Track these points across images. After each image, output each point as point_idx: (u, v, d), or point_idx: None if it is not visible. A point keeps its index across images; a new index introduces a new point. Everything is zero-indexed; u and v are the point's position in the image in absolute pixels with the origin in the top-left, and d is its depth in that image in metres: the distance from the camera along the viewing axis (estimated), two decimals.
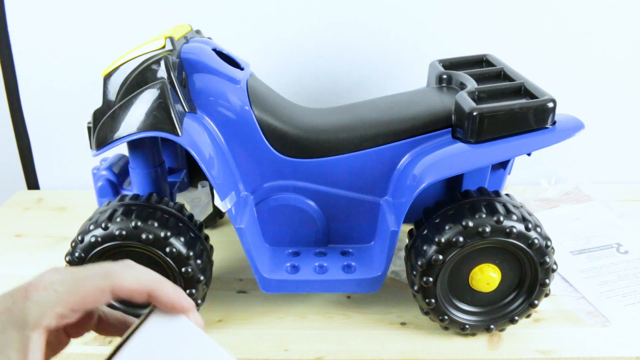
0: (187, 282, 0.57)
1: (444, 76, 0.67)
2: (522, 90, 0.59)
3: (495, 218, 0.54)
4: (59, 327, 0.31)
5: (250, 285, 0.69)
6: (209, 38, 0.69)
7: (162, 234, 0.55)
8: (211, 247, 0.62)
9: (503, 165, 0.64)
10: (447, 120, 0.59)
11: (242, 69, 0.63)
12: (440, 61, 0.70)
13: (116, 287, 0.31)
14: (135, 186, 0.63)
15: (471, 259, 0.56)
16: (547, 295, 0.58)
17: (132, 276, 0.31)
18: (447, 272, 0.57)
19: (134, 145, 0.61)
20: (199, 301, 0.60)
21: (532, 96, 0.57)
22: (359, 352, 0.59)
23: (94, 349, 0.59)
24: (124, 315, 0.36)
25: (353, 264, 0.62)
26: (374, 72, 0.90)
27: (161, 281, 0.32)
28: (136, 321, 0.32)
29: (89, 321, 0.35)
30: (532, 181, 0.92)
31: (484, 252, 0.56)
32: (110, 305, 0.57)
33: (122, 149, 0.62)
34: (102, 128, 0.56)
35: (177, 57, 0.58)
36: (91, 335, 0.32)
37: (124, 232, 0.55)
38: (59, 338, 0.34)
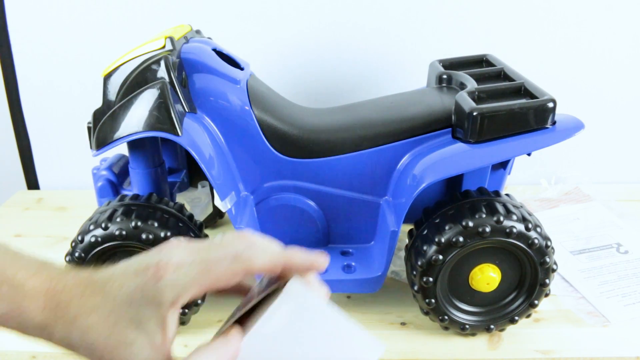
0: None
1: (444, 76, 0.67)
2: (522, 90, 0.59)
3: (495, 218, 0.54)
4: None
5: None
6: (209, 38, 0.69)
7: (162, 234, 0.55)
8: None
9: (503, 165, 0.64)
10: (447, 120, 0.59)
11: (242, 69, 0.63)
12: (440, 61, 0.70)
13: (248, 267, 0.31)
14: (135, 186, 0.63)
15: (471, 259, 0.56)
16: (547, 295, 0.58)
17: (262, 256, 0.32)
18: (447, 272, 0.57)
19: (134, 145, 0.61)
20: (199, 301, 0.60)
21: (532, 96, 0.57)
22: None
23: None
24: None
25: (353, 264, 0.62)
26: (374, 72, 0.90)
27: (289, 252, 0.32)
28: (256, 291, 0.33)
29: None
30: (532, 181, 0.92)
31: (484, 252, 0.56)
32: None
33: (122, 149, 0.62)
34: (102, 128, 0.56)
35: (177, 57, 0.58)
36: None
37: (124, 232, 0.55)
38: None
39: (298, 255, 0.32)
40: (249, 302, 0.33)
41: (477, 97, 0.59)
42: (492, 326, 0.59)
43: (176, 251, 0.32)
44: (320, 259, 0.32)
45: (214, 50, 0.62)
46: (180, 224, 0.58)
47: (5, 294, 0.33)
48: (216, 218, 0.83)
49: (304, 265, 0.32)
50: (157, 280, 0.31)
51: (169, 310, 0.31)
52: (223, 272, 0.31)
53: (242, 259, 0.31)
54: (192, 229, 0.59)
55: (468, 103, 0.56)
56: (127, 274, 0.33)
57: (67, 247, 0.58)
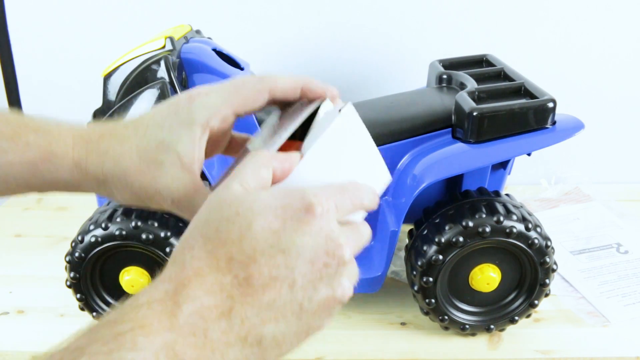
0: None
1: (444, 76, 0.67)
2: (522, 90, 0.59)
3: (495, 218, 0.54)
4: (219, 130, 0.35)
5: None
6: (209, 38, 0.69)
7: (162, 234, 0.55)
8: None
9: (503, 165, 0.64)
10: (447, 120, 0.59)
11: (242, 69, 0.63)
12: (440, 61, 0.70)
13: (273, 86, 0.34)
14: None
15: (471, 259, 0.56)
16: (547, 295, 0.58)
17: (284, 78, 0.35)
18: (447, 272, 0.57)
19: None
20: None
21: (532, 96, 0.57)
22: (359, 352, 0.59)
23: None
24: (249, 136, 0.40)
25: None
26: (373, 72, 0.90)
27: (309, 77, 0.35)
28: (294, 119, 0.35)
29: (224, 139, 0.39)
30: (532, 181, 0.92)
31: (484, 252, 0.56)
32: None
33: None
34: None
35: (177, 57, 0.58)
36: None
37: (124, 232, 0.55)
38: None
39: (315, 81, 0.35)
40: (287, 125, 0.35)
41: (477, 97, 0.59)
42: (492, 326, 0.59)
43: (205, 85, 0.36)
44: (333, 89, 0.35)
45: (214, 50, 0.62)
46: (181, 224, 0.58)
47: (35, 141, 0.35)
48: None
49: (321, 90, 0.34)
50: (189, 102, 0.34)
51: (200, 130, 0.33)
52: (250, 90, 0.34)
53: (266, 79, 0.34)
54: None
55: (468, 103, 0.56)
56: (159, 108, 0.35)
57: (67, 247, 0.58)
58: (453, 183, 0.63)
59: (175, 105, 0.34)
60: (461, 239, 0.54)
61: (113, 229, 0.55)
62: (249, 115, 0.36)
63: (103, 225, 0.55)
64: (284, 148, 0.33)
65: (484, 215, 0.54)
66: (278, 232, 0.27)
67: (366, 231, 0.32)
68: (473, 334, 0.60)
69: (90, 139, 0.35)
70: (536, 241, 0.54)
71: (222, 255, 0.27)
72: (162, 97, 0.54)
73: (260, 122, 0.60)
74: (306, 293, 0.27)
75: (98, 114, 0.58)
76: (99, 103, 0.58)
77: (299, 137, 0.34)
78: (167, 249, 0.55)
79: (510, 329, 0.60)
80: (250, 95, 0.34)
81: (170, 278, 0.27)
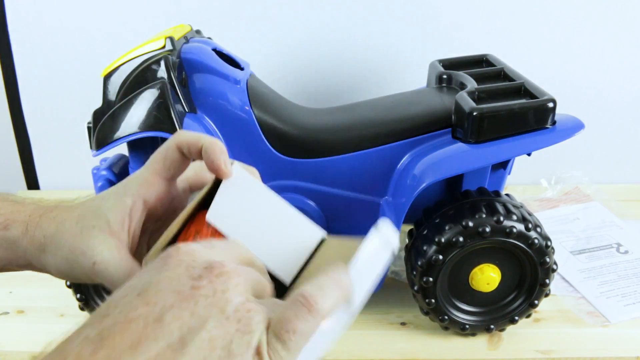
0: None
1: (444, 76, 0.67)
2: (522, 90, 0.59)
3: (495, 218, 0.54)
4: (158, 198, 0.36)
5: None
6: (209, 38, 0.69)
7: None
8: None
9: (503, 165, 0.64)
10: (447, 120, 0.59)
11: (242, 69, 0.63)
12: (440, 61, 0.70)
13: (178, 141, 0.35)
14: None
15: (471, 259, 0.56)
16: (547, 295, 0.58)
17: (187, 132, 0.36)
18: (447, 272, 0.57)
19: (133, 145, 0.61)
20: None
21: (532, 96, 0.57)
22: (359, 352, 0.59)
23: None
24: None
25: None
26: (374, 72, 0.90)
27: (214, 141, 0.35)
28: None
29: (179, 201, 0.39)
30: (532, 181, 0.92)
31: (484, 252, 0.56)
32: None
33: (122, 149, 0.62)
34: (102, 128, 0.56)
35: (177, 57, 0.58)
36: None
37: None
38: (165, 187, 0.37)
39: (217, 149, 0.34)
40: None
41: (477, 97, 0.59)
42: (492, 326, 0.59)
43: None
44: (224, 169, 0.34)
45: (214, 50, 0.62)
46: None
47: (2, 207, 0.37)
48: None
49: (212, 161, 0.34)
50: (128, 177, 0.36)
51: (131, 200, 0.35)
52: (162, 152, 0.35)
53: (173, 136, 0.35)
54: None
55: (468, 103, 0.56)
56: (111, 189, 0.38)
57: None
58: (453, 183, 0.63)
59: (122, 181, 0.37)
60: (461, 239, 0.54)
61: None
62: (176, 175, 0.37)
63: None
64: (191, 219, 0.34)
65: (484, 215, 0.54)
66: (133, 285, 0.25)
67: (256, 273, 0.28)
68: (473, 334, 0.60)
69: (47, 209, 0.37)
70: (536, 241, 0.54)
71: (74, 332, 0.24)
72: (162, 97, 0.54)
73: (261, 124, 0.60)
74: (183, 322, 0.23)
75: (98, 114, 0.58)
76: (99, 103, 0.58)
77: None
78: None
79: (510, 329, 0.60)
80: (164, 155, 0.35)
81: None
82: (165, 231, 0.33)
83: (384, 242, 0.30)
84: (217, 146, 0.34)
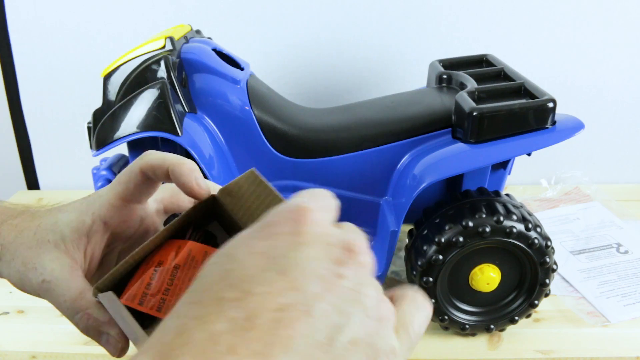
0: None
1: (444, 76, 0.67)
2: (522, 90, 0.59)
3: (495, 218, 0.54)
4: (120, 219, 0.35)
5: None
6: (209, 38, 0.69)
7: None
8: None
9: (503, 165, 0.64)
10: (447, 120, 0.59)
11: (242, 69, 0.63)
12: (440, 61, 0.70)
13: (142, 163, 0.33)
14: None
15: (471, 259, 0.56)
16: (547, 295, 0.58)
17: (152, 153, 0.33)
18: (447, 272, 0.57)
19: (134, 145, 0.61)
20: None
21: (532, 96, 0.57)
22: None
23: (93, 348, 0.59)
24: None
25: None
26: (374, 72, 0.90)
27: (182, 160, 0.33)
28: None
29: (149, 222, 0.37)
30: (532, 181, 0.92)
31: (484, 252, 0.56)
32: None
33: (122, 149, 0.62)
34: (102, 128, 0.56)
35: (177, 57, 0.58)
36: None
37: None
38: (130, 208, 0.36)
39: (184, 168, 0.32)
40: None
41: (477, 97, 0.58)
42: (492, 326, 0.59)
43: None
44: (197, 188, 0.32)
45: (214, 50, 0.62)
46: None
47: None
48: None
49: (183, 181, 0.32)
50: (90, 194, 0.35)
51: (90, 219, 0.34)
52: (125, 174, 0.33)
53: (137, 159, 0.33)
54: None
55: (468, 103, 0.56)
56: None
57: None
58: (453, 183, 0.63)
59: (87, 196, 0.36)
60: (461, 239, 0.54)
61: None
62: (142, 197, 0.35)
63: None
64: (158, 247, 0.33)
65: (484, 215, 0.54)
66: (266, 253, 0.22)
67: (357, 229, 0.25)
68: (473, 334, 0.60)
69: (12, 215, 0.36)
70: (536, 241, 0.54)
71: (207, 301, 0.21)
72: (162, 97, 0.54)
73: (261, 124, 0.60)
74: (330, 319, 0.20)
75: (98, 114, 0.58)
76: (99, 103, 0.58)
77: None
78: None
79: (510, 329, 0.60)
80: (128, 178, 0.34)
81: (149, 348, 0.20)
82: (126, 257, 0.31)
83: None
84: (184, 166, 0.32)
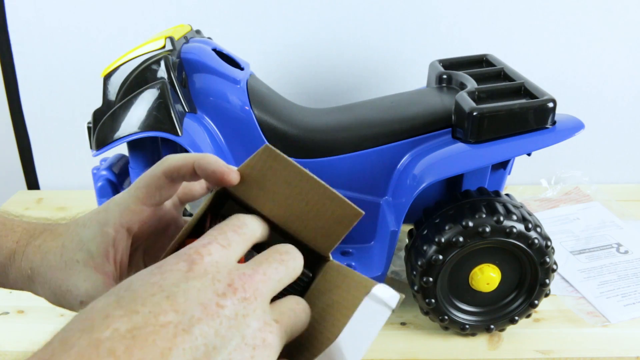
0: None
1: (444, 76, 0.67)
2: (522, 90, 0.59)
3: (495, 218, 0.54)
4: (144, 225, 0.35)
5: None
6: (209, 38, 0.69)
7: None
8: None
9: (503, 165, 0.64)
10: (447, 120, 0.59)
11: (242, 69, 0.63)
12: (440, 61, 0.70)
13: (165, 167, 0.33)
14: None
15: (471, 259, 0.56)
16: (547, 295, 0.58)
17: (174, 156, 0.34)
18: (447, 272, 0.57)
19: (134, 145, 0.61)
20: None
21: (532, 96, 0.57)
22: None
23: None
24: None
25: (353, 264, 0.62)
26: (374, 72, 0.90)
27: (204, 154, 0.33)
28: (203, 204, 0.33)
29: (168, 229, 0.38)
30: (532, 181, 0.92)
31: (484, 252, 0.56)
32: None
33: (122, 149, 0.62)
34: (102, 128, 0.56)
35: (177, 57, 0.58)
36: None
37: None
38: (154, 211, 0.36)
39: (207, 158, 0.32)
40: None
41: (477, 97, 0.59)
42: (492, 326, 0.59)
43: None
44: (226, 169, 0.32)
45: (214, 50, 0.62)
46: None
47: None
48: None
49: (213, 168, 0.32)
50: (108, 203, 0.35)
51: (113, 230, 0.34)
52: (147, 178, 0.34)
53: (158, 162, 0.34)
54: None
55: (468, 103, 0.56)
56: (95, 208, 0.36)
57: None
58: (453, 183, 0.63)
59: (104, 205, 0.35)
60: (461, 239, 0.54)
61: None
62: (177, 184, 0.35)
63: None
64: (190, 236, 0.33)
65: (484, 215, 0.54)
66: (158, 283, 0.24)
67: (276, 255, 0.28)
68: (473, 334, 0.60)
69: (33, 235, 0.36)
70: (536, 241, 0.54)
71: (95, 317, 0.23)
72: (162, 97, 0.54)
73: (261, 124, 0.60)
74: (208, 339, 0.23)
75: (98, 114, 0.58)
76: (99, 103, 0.58)
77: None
78: None
79: (510, 329, 0.60)
80: (149, 182, 0.34)
81: (32, 358, 0.22)
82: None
83: (380, 307, 0.29)
84: (209, 157, 0.32)
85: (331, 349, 0.28)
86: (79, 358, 0.21)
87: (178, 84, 0.56)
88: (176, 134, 0.54)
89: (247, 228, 0.29)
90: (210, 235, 0.28)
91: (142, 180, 0.34)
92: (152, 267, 0.26)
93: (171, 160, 0.33)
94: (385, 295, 0.28)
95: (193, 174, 0.33)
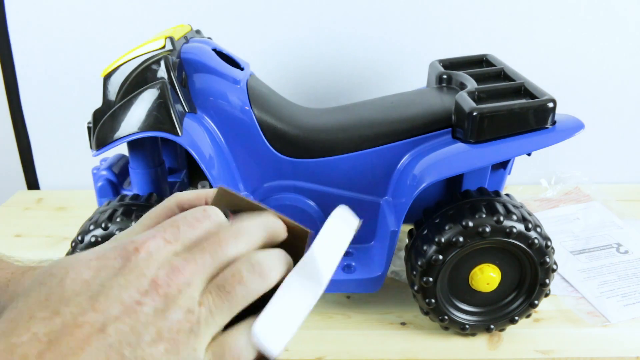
0: None
1: (444, 76, 0.67)
2: (522, 90, 0.59)
3: (495, 218, 0.54)
4: None
5: None
6: (209, 38, 0.69)
7: None
8: None
9: (503, 165, 0.64)
10: (447, 120, 0.59)
11: (242, 69, 0.63)
12: (440, 61, 0.70)
13: (179, 199, 0.33)
14: (135, 186, 0.63)
15: (471, 259, 0.56)
16: (547, 295, 0.58)
17: (189, 191, 0.34)
18: (447, 272, 0.57)
19: (134, 145, 0.61)
20: None
21: (532, 96, 0.57)
22: (359, 352, 0.59)
23: None
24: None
25: (353, 264, 0.62)
26: (374, 72, 0.90)
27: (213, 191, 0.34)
28: None
29: None
30: (532, 181, 0.92)
31: (484, 252, 0.56)
32: None
33: (122, 149, 0.62)
34: (102, 128, 0.56)
35: (177, 57, 0.58)
36: None
37: None
38: None
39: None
40: None
41: (477, 97, 0.59)
42: (492, 326, 0.59)
43: None
44: None
45: (214, 50, 0.62)
46: None
47: None
48: None
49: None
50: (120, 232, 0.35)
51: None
52: (161, 209, 0.33)
53: (172, 196, 0.34)
54: None
55: (468, 103, 0.56)
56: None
57: (67, 247, 0.58)
58: (453, 183, 0.63)
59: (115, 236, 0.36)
60: (461, 239, 0.54)
61: (113, 229, 0.55)
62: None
63: (103, 225, 0.55)
64: None
65: (484, 215, 0.54)
66: (88, 282, 0.25)
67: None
68: (473, 334, 0.60)
69: (31, 267, 0.36)
70: (536, 241, 0.54)
71: (20, 319, 0.24)
72: (162, 97, 0.54)
73: (261, 124, 0.60)
74: (123, 337, 0.24)
75: (98, 114, 0.58)
76: (99, 103, 0.58)
77: None
78: None
79: (510, 329, 0.60)
80: (160, 213, 0.34)
81: None
82: None
83: (345, 221, 0.33)
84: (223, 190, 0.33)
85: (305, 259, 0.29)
86: None
87: (178, 84, 0.56)
88: (176, 134, 0.54)
89: (208, 222, 0.29)
90: (161, 227, 0.28)
91: (154, 211, 0.34)
92: (94, 253, 0.27)
93: (183, 194, 0.34)
94: (346, 212, 0.33)
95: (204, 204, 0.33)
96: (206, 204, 0.33)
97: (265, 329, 0.27)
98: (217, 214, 0.29)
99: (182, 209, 0.33)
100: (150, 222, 0.34)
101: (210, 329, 0.26)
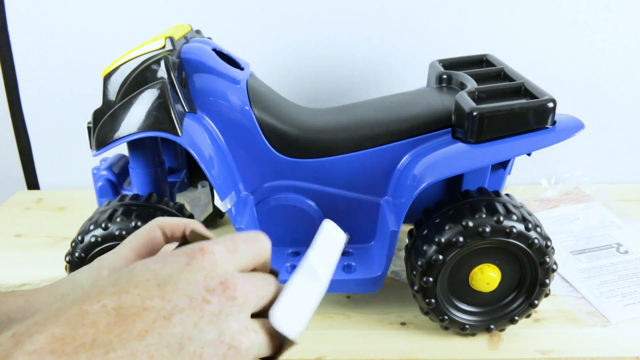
0: None
1: (444, 76, 0.67)
2: (522, 90, 0.59)
3: (495, 218, 0.54)
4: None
5: None
6: (209, 38, 0.69)
7: None
8: None
9: (503, 165, 0.64)
10: (447, 120, 0.59)
11: (242, 69, 0.63)
12: (440, 61, 0.70)
13: (161, 222, 0.35)
14: (135, 186, 0.63)
15: (471, 259, 0.56)
16: (547, 295, 0.58)
17: (172, 217, 0.36)
18: (447, 272, 0.57)
19: (134, 145, 0.61)
20: None
21: (532, 96, 0.57)
22: (359, 352, 0.59)
23: None
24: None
25: (353, 264, 0.62)
26: (374, 72, 0.90)
27: (195, 221, 0.35)
28: None
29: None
30: (532, 181, 0.92)
31: (484, 252, 0.56)
32: None
33: (122, 149, 0.62)
34: (102, 128, 0.56)
35: (177, 57, 0.58)
36: None
37: (124, 232, 0.55)
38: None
39: (199, 227, 0.34)
40: None
41: (477, 97, 0.59)
42: (492, 326, 0.59)
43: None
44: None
45: (214, 50, 0.62)
46: None
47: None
48: (216, 218, 0.83)
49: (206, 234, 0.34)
50: (99, 259, 0.36)
51: (107, 272, 0.35)
52: (144, 230, 0.36)
53: (156, 219, 0.36)
54: None
55: (468, 103, 0.56)
56: None
57: (67, 247, 0.58)
58: (453, 183, 0.63)
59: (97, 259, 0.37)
60: (461, 239, 0.54)
61: (113, 229, 0.55)
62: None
63: (103, 225, 0.55)
64: None
65: (484, 215, 0.54)
66: (156, 270, 0.26)
67: (270, 279, 0.31)
68: (473, 334, 0.60)
69: (15, 290, 0.36)
70: (536, 241, 0.54)
71: (91, 292, 0.25)
72: (162, 97, 0.54)
73: (261, 124, 0.60)
74: (186, 329, 0.25)
75: (98, 114, 0.58)
76: (99, 103, 0.58)
77: None
78: None
79: (510, 329, 0.60)
80: (144, 233, 0.35)
81: (20, 326, 0.24)
82: None
83: (334, 233, 0.35)
84: (200, 224, 0.35)
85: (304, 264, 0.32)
86: (65, 324, 0.23)
87: (178, 84, 0.56)
88: (176, 134, 0.54)
89: (260, 243, 0.31)
90: (222, 238, 0.29)
91: (137, 232, 0.36)
92: (159, 255, 0.28)
93: (165, 218, 0.36)
94: (332, 226, 0.35)
95: (182, 235, 0.35)
96: (184, 231, 0.35)
97: (282, 313, 0.28)
98: (266, 238, 0.32)
99: (164, 231, 0.35)
100: (135, 240, 0.35)
101: (251, 353, 0.27)
